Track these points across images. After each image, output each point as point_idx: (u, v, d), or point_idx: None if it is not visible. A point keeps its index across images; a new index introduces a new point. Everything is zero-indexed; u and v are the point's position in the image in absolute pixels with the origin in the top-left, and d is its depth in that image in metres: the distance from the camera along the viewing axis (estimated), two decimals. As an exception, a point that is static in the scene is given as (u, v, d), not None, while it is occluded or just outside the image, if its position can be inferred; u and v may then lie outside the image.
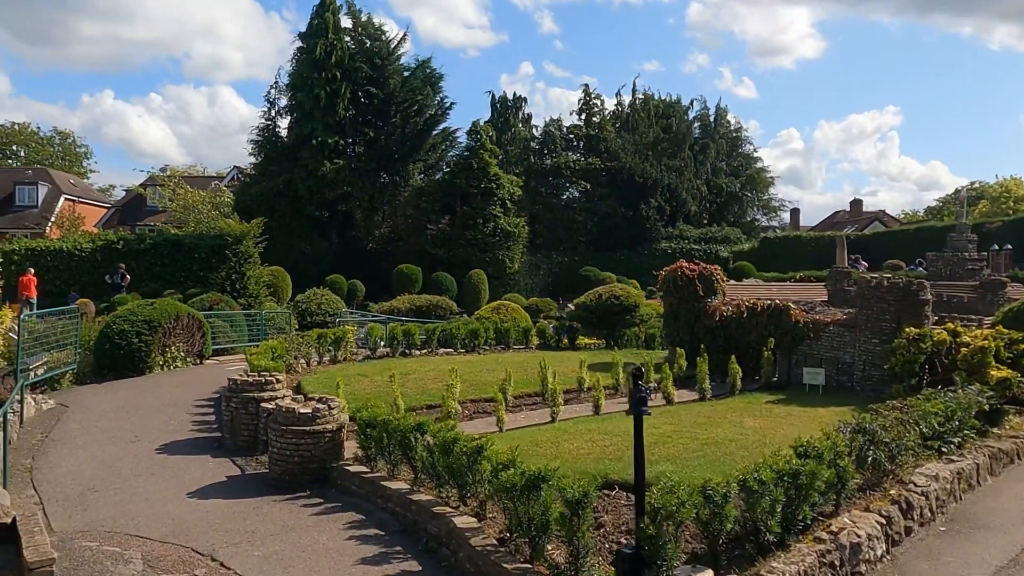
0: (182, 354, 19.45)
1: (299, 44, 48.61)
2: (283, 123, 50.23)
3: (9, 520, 8.71)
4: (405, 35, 53.02)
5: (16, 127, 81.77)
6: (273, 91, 50.95)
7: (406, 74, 50.19)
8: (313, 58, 46.82)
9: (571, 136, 60.67)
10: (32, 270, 31.71)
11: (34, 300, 30.62)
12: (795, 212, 76.58)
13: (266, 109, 50.71)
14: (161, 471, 11.76)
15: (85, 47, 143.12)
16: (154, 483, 11.19)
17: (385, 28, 51.95)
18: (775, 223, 70.46)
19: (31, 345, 17.12)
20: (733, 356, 16.18)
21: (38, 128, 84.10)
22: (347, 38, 49.17)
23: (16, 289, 32.20)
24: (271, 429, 11.34)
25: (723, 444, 10.98)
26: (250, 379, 13.24)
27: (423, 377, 16.92)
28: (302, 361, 18.59)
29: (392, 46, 50.38)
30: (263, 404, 12.72)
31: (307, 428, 10.94)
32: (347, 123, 47.33)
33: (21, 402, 14.14)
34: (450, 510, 8.56)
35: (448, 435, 8.98)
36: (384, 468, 10.40)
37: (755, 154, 68.90)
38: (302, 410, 11.07)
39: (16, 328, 18.28)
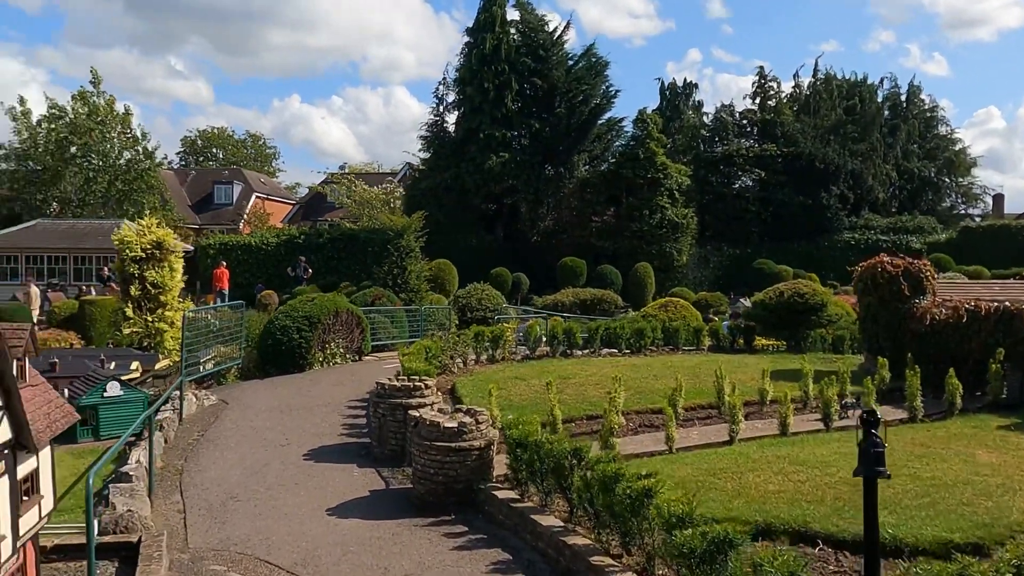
0: (341, 351, 19.04)
1: (467, 39, 48.43)
2: (451, 118, 50.34)
3: (135, 539, 8.03)
4: (568, 24, 51.78)
5: (215, 131, 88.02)
6: (441, 87, 51.22)
7: (570, 63, 48.79)
8: (481, 52, 46.40)
9: (744, 122, 56.95)
10: (224, 263, 33.25)
11: (226, 292, 32.06)
12: (998, 198, 68.11)
13: (435, 105, 51.01)
14: (305, 481, 10.97)
15: (275, 55, 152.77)
16: (295, 495, 10.38)
17: (548, 19, 50.84)
18: (976, 211, 63.07)
19: (201, 339, 17.19)
20: (951, 369, 13.43)
21: (233, 132, 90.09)
22: (512, 31, 48.40)
23: (210, 281, 33.95)
24: (414, 444, 10.22)
25: (955, 487, 8.66)
26: (398, 384, 12.23)
27: (583, 382, 15.38)
28: (458, 361, 17.59)
29: (556, 36, 49.12)
30: (410, 412, 11.66)
31: (452, 445, 9.70)
32: (513, 116, 46.57)
33: (181, 399, 13.97)
34: (610, 561, 6.97)
35: (609, 469, 7.39)
36: (536, 497, 8.97)
37: (953, 135, 61.98)
38: (447, 424, 9.85)
39: (207, 317, 18.55)
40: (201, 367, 16.82)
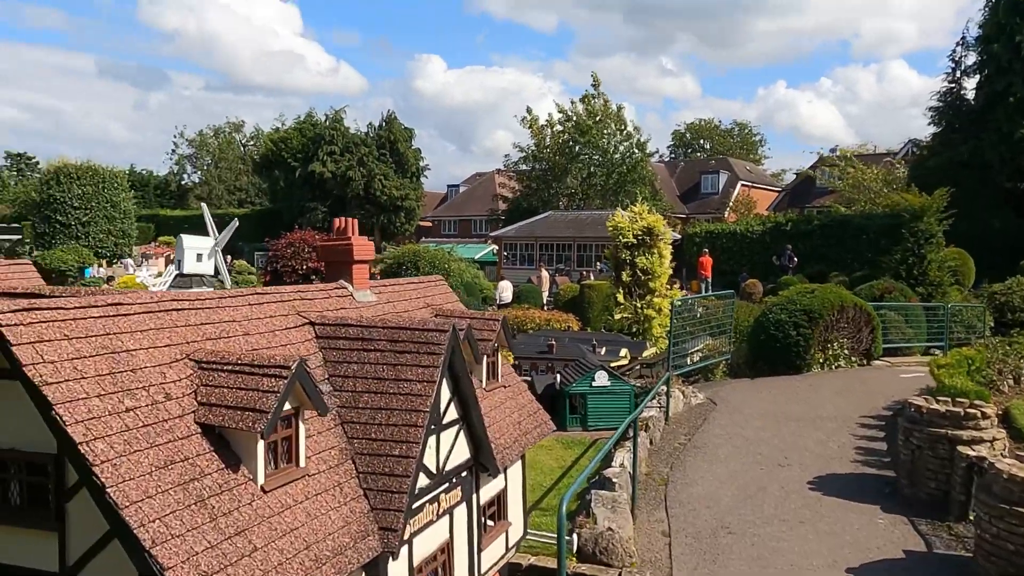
0: (845, 352, 15.96)
1: (993, -12, 39.64)
2: (969, 84, 41.90)
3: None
4: None
5: (702, 123, 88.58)
6: (959, 49, 42.97)
7: None
8: (1012, 1, 37.55)
9: None
10: (707, 251, 32.24)
11: (709, 280, 31.00)
12: None
13: (949, 71, 42.98)
14: (812, 519, 8.61)
15: (759, 44, 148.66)
16: (802, 539, 8.10)
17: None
18: None
19: (688, 330, 15.82)
20: None
21: (720, 122, 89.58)
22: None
23: (695, 269, 33.28)
24: (979, 501, 7.13)
25: None
26: (939, 407, 9.06)
27: None
28: (1007, 378, 13.26)
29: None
30: (960, 448, 8.47)
31: (1047, 515, 6.43)
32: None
33: (668, 395, 12.62)
34: None
35: None
36: None
37: None
38: (1038, 482, 6.59)
39: (695, 306, 17.34)
40: (688, 360, 15.44)
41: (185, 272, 26.57)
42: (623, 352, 17.00)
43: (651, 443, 11.22)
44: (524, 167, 53.27)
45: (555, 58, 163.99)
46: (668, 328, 15.03)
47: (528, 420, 6.45)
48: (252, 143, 75.38)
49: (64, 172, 38.62)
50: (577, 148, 49.76)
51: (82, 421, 3.45)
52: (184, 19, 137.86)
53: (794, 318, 15.49)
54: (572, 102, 50.41)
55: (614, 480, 9.01)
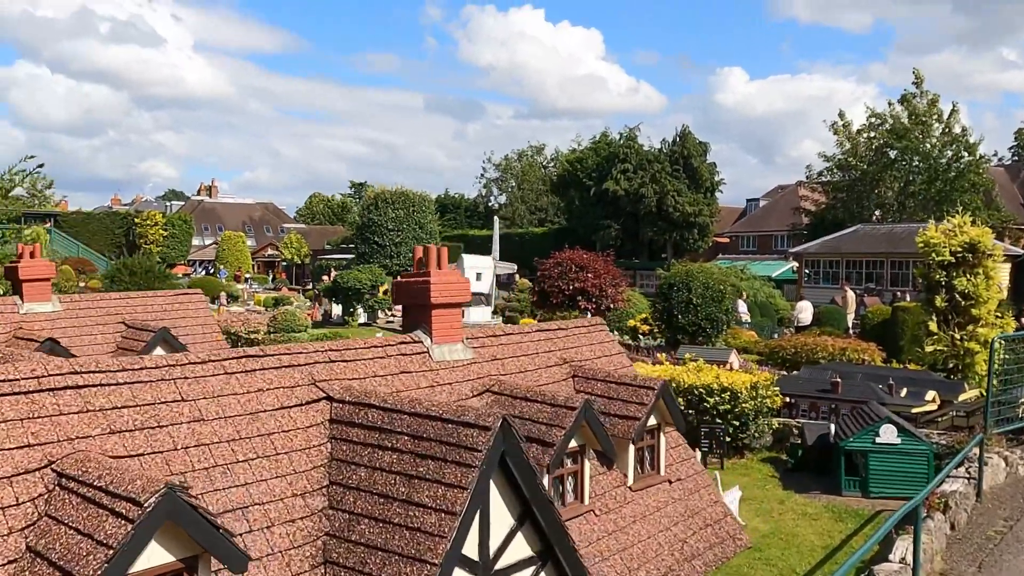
0: None
1: None
2: None
3: None
4: None
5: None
6: None
7: None
8: None
9: None
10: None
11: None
12: None
13: None
14: None
15: None
16: None
17: None
18: None
19: (1020, 373, 12.22)
20: None
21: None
22: None
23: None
24: None
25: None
26: None
27: None
28: None
29: None
30: None
31: None
32: None
33: (981, 461, 9.57)
34: None
35: None
36: None
37: None
38: None
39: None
40: (1019, 413, 11.89)
41: (464, 290, 27.36)
42: (930, 395, 13.74)
43: (952, 528, 8.46)
44: (829, 177, 48.32)
45: (870, 60, 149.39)
46: (987, 370, 11.69)
47: (700, 537, 4.46)
48: (552, 164, 77.87)
49: (381, 198, 42.63)
50: (893, 154, 43.88)
51: None
52: (497, 54, 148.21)
53: None
54: (889, 103, 44.55)
55: (888, 582, 6.70)
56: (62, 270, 32.01)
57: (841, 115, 45.81)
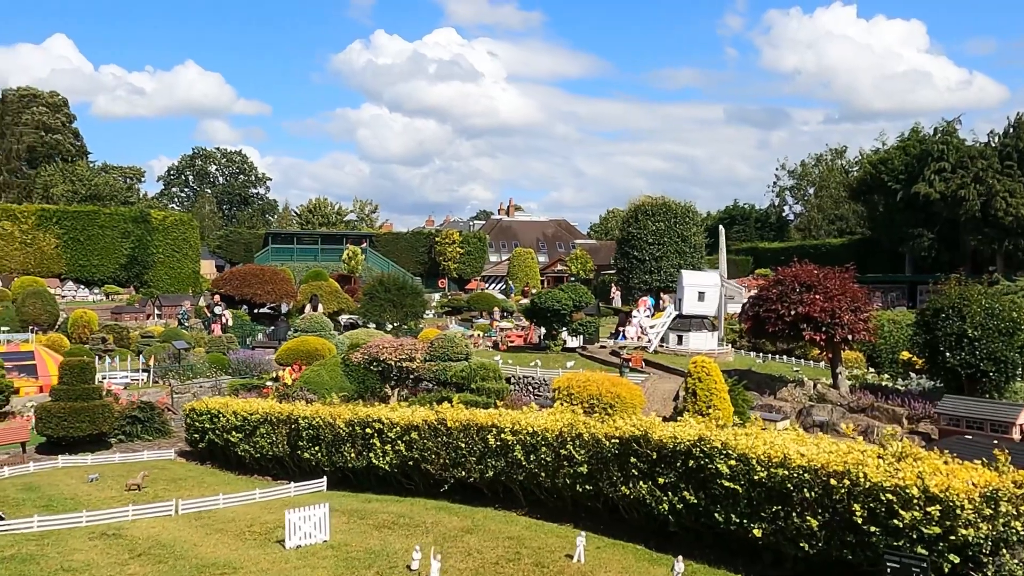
0: None
1: None
2: None
3: None
4: None
5: None
6: None
7: None
8: None
9: None
10: None
11: None
12: None
13: None
14: None
15: None
16: None
17: None
18: None
19: None
20: None
21: None
22: None
23: None
24: None
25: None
26: None
27: None
28: None
29: None
30: None
31: None
32: None
33: None
34: None
35: None
36: None
37: None
38: None
39: None
40: None
41: (684, 313, 22.97)
42: None
43: None
44: None
45: None
46: None
47: None
48: (855, 168, 68.02)
49: (642, 210, 39.53)
50: None
51: None
52: (803, 57, 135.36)
53: None
54: None
55: None
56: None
57: None
